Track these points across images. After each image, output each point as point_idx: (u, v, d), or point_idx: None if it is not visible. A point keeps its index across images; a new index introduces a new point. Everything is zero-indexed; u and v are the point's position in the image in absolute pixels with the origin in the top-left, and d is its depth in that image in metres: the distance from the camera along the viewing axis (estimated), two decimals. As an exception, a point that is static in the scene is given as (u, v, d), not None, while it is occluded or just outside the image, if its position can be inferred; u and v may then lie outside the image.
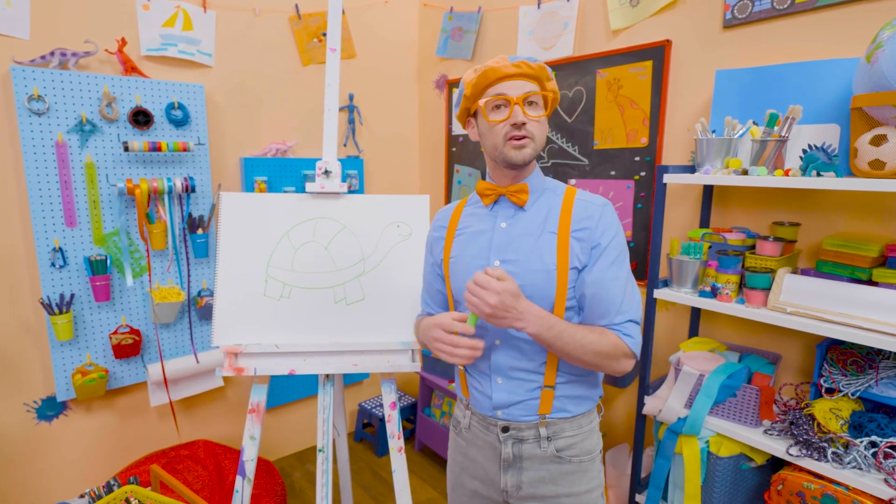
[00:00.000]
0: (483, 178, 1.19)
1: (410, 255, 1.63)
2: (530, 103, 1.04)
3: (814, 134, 1.48)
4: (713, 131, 1.61)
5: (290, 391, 2.66)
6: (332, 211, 1.64)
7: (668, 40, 1.86)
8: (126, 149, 1.96)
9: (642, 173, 2.00)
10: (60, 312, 1.90)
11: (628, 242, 2.06)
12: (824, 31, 1.52)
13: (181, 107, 2.12)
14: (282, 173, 2.44)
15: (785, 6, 1.57)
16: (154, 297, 2.08)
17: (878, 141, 1.22)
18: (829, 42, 1.51)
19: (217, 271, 1.56)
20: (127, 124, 2.01)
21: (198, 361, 2.20)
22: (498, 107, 1.04)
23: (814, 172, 1.33)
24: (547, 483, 1.11)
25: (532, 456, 1.11)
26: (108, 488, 1.48)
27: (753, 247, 1.59)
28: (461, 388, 1.21)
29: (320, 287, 1.60)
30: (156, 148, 2.02)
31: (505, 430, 1.11)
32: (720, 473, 1.50)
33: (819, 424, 1.35)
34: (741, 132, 1.53)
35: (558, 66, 2.22)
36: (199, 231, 2.19)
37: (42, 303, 1.87)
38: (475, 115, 1.11)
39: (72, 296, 1.95)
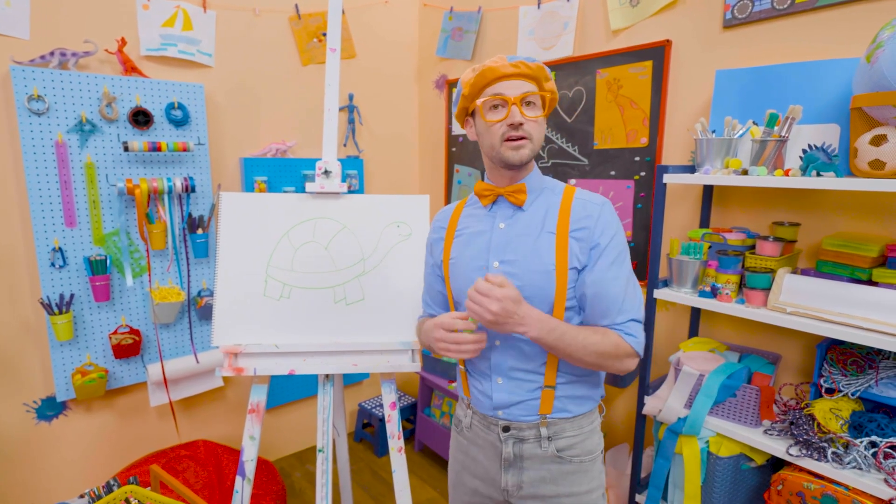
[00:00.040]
0: (483, 178, 1.19)
1: (410, 255, 1.63)
2: (528, 103, 1.04)
3: (814, 134, 1.48)
4: (713, 131, 1.61)
5: (289, 391, 2.66)
6: (332, 211, 1.64)
7: (668, 40, 1.86)
8: (126, 149, 1.96)
9: (642, 173, 2.00)
10: (60, 312, 1.90)
11: (628, 242, 2.06)
12: (824, 31, 1.52)
13: (181, 107, 2.12)
14: (282, 173, 2.44)
15: (785, 6, 1.57)
16: (154, 297, 2.08)
17: (878, 141, 1.22)
18: (829, 42, 1.51)
19: (217, 271, 1.56)
20: (127, 124, 2.01)
21: (198, 361, 2.20)
22: (495, 107, 1.04)
23: (814, 172, 1.33)
24: (547, 483, 1.11)
25: (533, 456, 1.11)
26: (108, 488, 1.48)
27: (753, 247, 1.59)
28: (462, 387, 1.21)
29: (320, 287, 1.60)
30: (156, 148, 2.02)
31: (506, 429, 1.11)
32: (720, 473, 1.50)
33: (819, 424, 1.35)
34: (741, 132, 1.53)
35: (558, 66, 2.22)
36: (199, 231, 2.19)
37: (42, 303, 1.87)
38: (473, 114, 1.11)
39: (71, 296, 1.95)
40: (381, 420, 2.73)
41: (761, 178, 1.40)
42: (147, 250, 2.09)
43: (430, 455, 2.76)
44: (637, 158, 2.01)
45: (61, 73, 1.86)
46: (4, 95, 1.83)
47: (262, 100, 2.41)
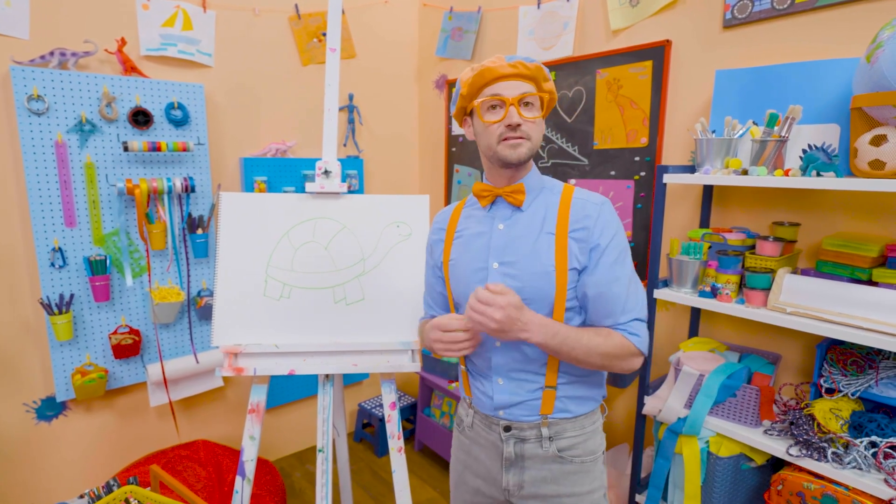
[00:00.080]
0: (482, 178, 1.18)
1: (410, 255, 1.63)
2: (526, 104, 1.03)
3: (814, 134, 1.48)
4: (713, 131, 1.61)
5: (289, 391, 2.66)
6: (332, 211, 1.64)
7: (667, 40, 1.86)
8: (126, 149, 1.96)
9: (642, 173, 2.00)
10: (60, 312, 1.90)
11: (628, 242, 2.06)
12: (824, 31, 1.52)
13: (181, 107, 2.12)
14: (281, 173, 2.44)
15: (785, 6, 1.57)
16: (154, 297, 2.08)
17: (878, 141, 1.22)
18: (829, 42, 1.51)
19: (217, 271, 1.56)
20: (126, 124, 2.01)
21: (197, 361, 2.20)
22: (493, 107, 1.04)
23: (814, 172, 1.33)
24: (549, 483, 1.11)
25: (534, 455, 1.11)
26: (108, 489, 1.48)
27: (753, 247, 1.59)
28: (464, 387, 1.21)
29: (320, 287, 1.60)
30: (155, 148, 2.01)
31: (507, 429, 1.11)
32: (720, 473, 1.50)
33: (819, 424, 1.35)
34: (741, 132, 1.53)
35: (558, 66, 2.22)
36: (199, 231, 2.19)
37: (42, 303, 1.87)
38: (471, 114, 1.10)
39: (71, 296, 1.95)
40: (381, 420, 2.73)
41: (761, 178, 1.40)
42: (147, 250, 2.09)
43: (430, 455, 2.76)
44: (637, 158, 2.01)
45: (61, 73, 1.86)
46: (4, 95, 1.83)
47: (262, 100, 2.41)
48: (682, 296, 1.61)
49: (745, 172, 1.46)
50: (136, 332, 2.09)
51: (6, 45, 1.81)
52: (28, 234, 1.92)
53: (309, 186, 1.62)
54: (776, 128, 1.45)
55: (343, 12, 2.44)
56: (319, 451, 1.52)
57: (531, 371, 1.09)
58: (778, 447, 1.41)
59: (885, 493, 1.21)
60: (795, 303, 1.39)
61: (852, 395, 1.34)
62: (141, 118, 2.02)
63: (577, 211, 1.06)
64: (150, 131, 2.06)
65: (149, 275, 2.11)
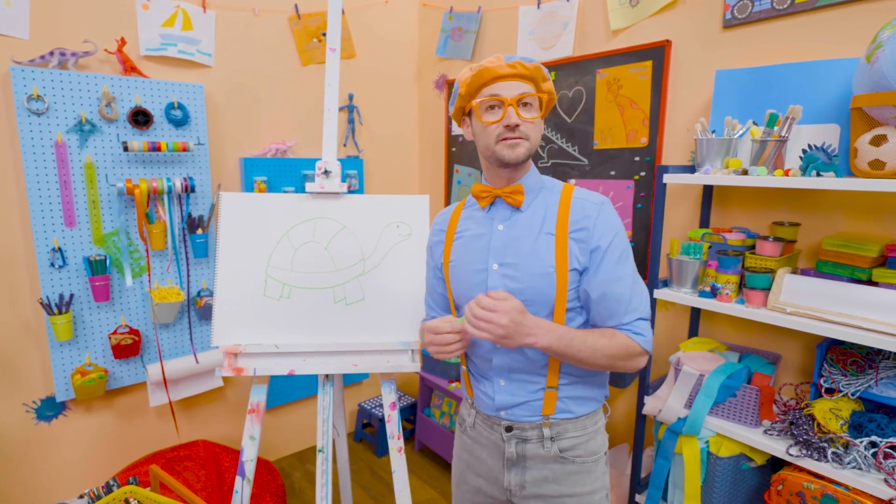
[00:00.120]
0: (482, 179, 1.18)
1: (410, 256, 1.63)
2: (525, 104, 1.02)
3: (814, 134, 1.48)
4: (713, 131, 1.61)
5: (289, 391, 2.66)
6: (332, 211, 1.64)
7: (667, 40, 1.86)
8: (125, 149, 1.96)
9: (642, 173, 2.00)
10: (60, 312, 1.90)
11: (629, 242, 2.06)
12: (824, 31, 1.52)
13: (181, 107, 2.11)
14: (281, 173, 2.44)
15: (785, 6, 1.57)
16: (153, 297, 2.07)
17: (878, 141, 1.22)
18: (829, 42, 1.51)
19: (217, 271, 1.56)
20: (126, 124, 2.01)
21: (197, 361, 2.20)
22: (492, 107, 1.03)
23: (814, 172, 1.33)
24: (550, 483, 1.11)
25: (535, 456, 1.11)
26: (108, 489, 1.48)
27: (753, 247, 1.59)
28: (466, 387, 1.22)
29: (320, 287, 1.60)
30: (155, 148, 2.01)
31: (508, 429, 1.11)
32: (720, 473, 1.50)
33: (819, 424, 1.35)
34: (741, 132, 1.53)
35: (558, 66, 2.22)
36: (199, 231, 2.19)
37: (41, 303, 1.87)
38: (470, 114, 1.10)
39: (71, 296, 1.94)
40: (381, 420, 2.73)
41: (761, 178, 1.40)
42: (147, 250, 2.09)
43: (429, 455, 2.76)
44: (637, 158, 2.01)
45: (61, 73, 1.86)
46: (4, 95, 1.83)
47: (261, 100, 2.41)
48: (682, 296, 1.61)
49: (745, 172, 1.46)
50: (136, 332, 2.09)
51: (6, 45, 1.81)
52: (28, 234, 1.91)
53: (309, 186, 1.62)
54: (776, 128, 1.45)
55: (343, 12, 2.44)
56: (319, 451, 1.52)
57: (532, 372, 1.08)
58: (778, 447, 1.41)
59: (885, 493, 1.21)
60: (795, 303, 1.39)
61: (852, 395, 1.34)
62: (141, 118, 2.01)
63: (576, 211, 1.05)
64: (149, 131, 2.06)
65: (149, 275, 2.11)
